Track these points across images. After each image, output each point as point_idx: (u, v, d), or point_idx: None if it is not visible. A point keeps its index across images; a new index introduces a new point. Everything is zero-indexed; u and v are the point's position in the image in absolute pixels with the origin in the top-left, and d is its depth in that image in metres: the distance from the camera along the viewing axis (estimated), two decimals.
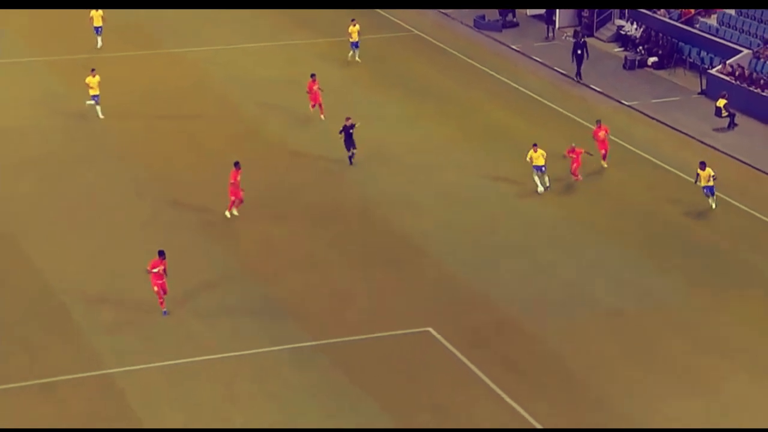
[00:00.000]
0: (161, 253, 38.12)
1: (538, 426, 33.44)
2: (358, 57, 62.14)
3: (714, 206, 45.89)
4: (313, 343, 37.41)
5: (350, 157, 49.17)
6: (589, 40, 63.09)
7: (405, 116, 56.01)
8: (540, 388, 35.34)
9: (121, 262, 42.04)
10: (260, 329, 38.19)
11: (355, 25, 61.72)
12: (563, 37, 67.50)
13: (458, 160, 50.95)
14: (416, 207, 46.30)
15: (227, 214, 44.26)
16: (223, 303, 39.71)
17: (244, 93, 58.18)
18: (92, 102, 53.65)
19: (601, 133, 49.52)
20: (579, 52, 60.96)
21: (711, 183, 45.53)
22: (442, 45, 66.53)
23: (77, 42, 64.41)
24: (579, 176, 47.97)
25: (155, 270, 37.88)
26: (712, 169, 45.48)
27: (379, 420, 33.74)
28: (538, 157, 46.77)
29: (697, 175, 45.86)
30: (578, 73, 60.93)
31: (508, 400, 34.63)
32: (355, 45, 62.00)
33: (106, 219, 45.45)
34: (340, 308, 39.55)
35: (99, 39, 64.01)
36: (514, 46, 66.51)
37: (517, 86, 60.30)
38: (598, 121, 50.12)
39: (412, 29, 68.95)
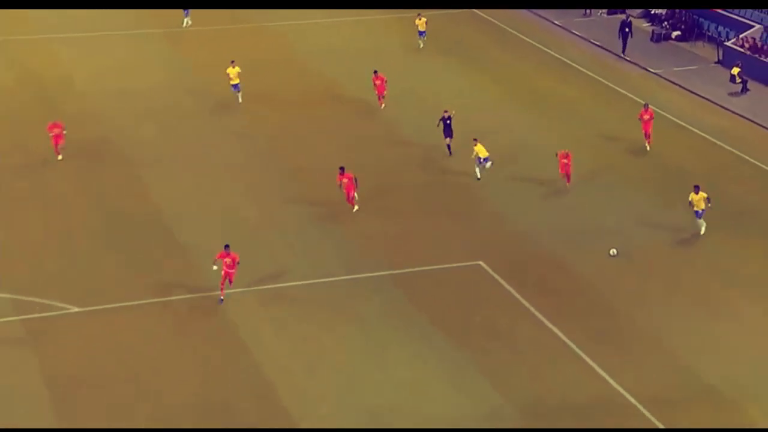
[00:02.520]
0: (226, 247, 36.12)
1: (572, 344, 34.01)
2: (422, 44, 60.57)
3: (702, 232, 40.33)
4: (381, 273, 38.19)
5: (448, 147, 46.72)
6: (621, 17, 62.85)
7: (462, 83, 56.15)
8: (576, 313, 35.75)
9: (224, 198, 43.39)
10: (339, 261, 38.96)
11: (420, 19, 60.46)
12: (599, 14, 67.38)
13: (510, 122, 51.21)
14: (472, 160, 45.72)
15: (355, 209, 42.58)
16: (309, 238, 40.48)
17: (324, 64, 58.29)
18: (236, 91, 52.88)
19: (646, 116, 47.06)
20: (627, 30, 60.16)
21: (703, 207, 39.62)
22: (492, 20, 66.46)
23: (178, 16, 64.87)
24: (569, 180, 43.88)
25: (226, 261, 35.99)
26: (705, 193, 40.02)
27: (436, 338, 34.38)
28: (481, 149, 44.14)
29: (690, 201, 39.99)
30: (624, 50, 60.28)
31: (548, 323, 35.23)
32: (422, 34, 60.59)
33: (213, 161, 46.84)
34: (405, 244, 40.18)
35: (187, 19, 64.03)
36: (557, 22, 66.55)
37: (561, 57, 60.35)
38: (646, 104, 48.11)
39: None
